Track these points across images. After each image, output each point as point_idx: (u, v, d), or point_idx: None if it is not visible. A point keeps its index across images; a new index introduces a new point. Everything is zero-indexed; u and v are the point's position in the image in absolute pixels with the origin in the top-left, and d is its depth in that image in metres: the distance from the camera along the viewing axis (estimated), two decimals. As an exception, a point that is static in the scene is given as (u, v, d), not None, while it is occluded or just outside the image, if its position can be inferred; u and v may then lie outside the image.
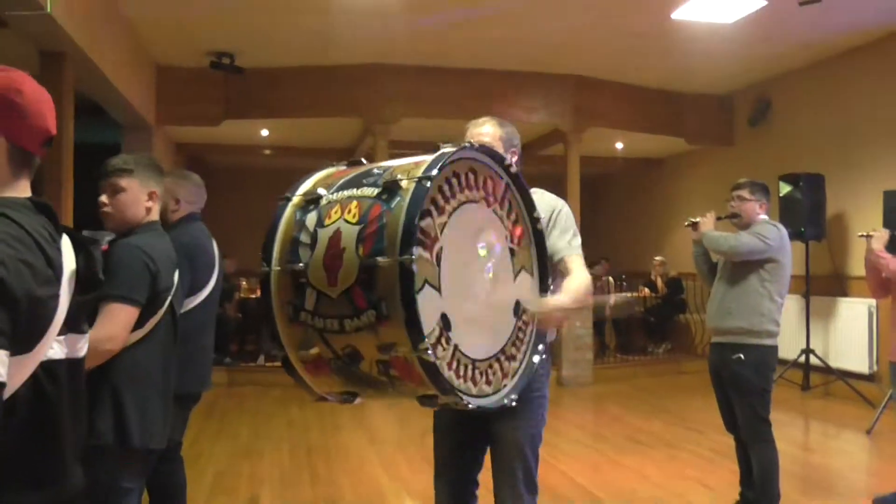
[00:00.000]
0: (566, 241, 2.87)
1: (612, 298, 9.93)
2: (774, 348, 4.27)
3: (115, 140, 9.19)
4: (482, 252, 2.35)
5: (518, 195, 2.55)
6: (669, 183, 12.55)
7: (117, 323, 2.41)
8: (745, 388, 4.18)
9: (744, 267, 4.24)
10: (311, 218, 2.20)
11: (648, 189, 13.35)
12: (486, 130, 2.90)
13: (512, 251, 2.49)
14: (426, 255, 2.08)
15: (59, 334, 1.45)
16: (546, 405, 2.94)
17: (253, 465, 5.68)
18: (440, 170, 2.10)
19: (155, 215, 2.71)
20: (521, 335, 2.51)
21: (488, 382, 2.34)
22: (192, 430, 6.63)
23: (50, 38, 5.60)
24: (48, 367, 1.43)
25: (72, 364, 1.52)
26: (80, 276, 1.50)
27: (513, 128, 3.01)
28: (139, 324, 2.48)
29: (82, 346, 1.56)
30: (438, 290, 2.12)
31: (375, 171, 2.25)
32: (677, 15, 7.24)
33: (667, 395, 8.77)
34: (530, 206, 2.58)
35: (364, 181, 2.20)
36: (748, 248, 4.19)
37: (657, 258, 11.46)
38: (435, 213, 2.13)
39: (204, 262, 3.59)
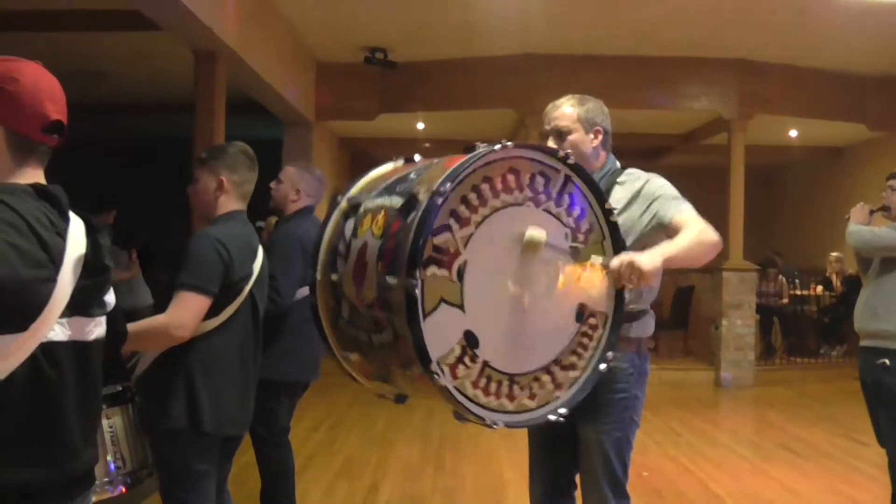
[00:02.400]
0: (672, 205, 2.55)
1: None
2: (928, 355, 3.80)
3: (277, 136, 9.63)
4: (527, 258, 2.17)
5: (585, 187, 2.33)
6: (850, 173, 11.62)
7: (187, 310, 2.47)
8: (890, 398, 3.75)
9: (892, 264, 3.80)
10: (349, 227, 2.21)
11: (826, 180, 12.42)
12: (563, 112, 2.67)
13: (575, 250, 2.28)
14: (442, 272, 1.99)
15: (62, 317, 1.49)
16: (637, 407, 2.69)
17: (383, 453, 5.76)
18: (456, 182, 1.98)
19: (232, 204, 2.73)
20: (584, 341, 2.32)
21: (532, 397, 2.20)
22: (332, 416, 6.91)
23: (201, 39, 5.91)
24: (48, 348, 1.47)
25: (79, 347, 1.55)
26: (87, 262, 1.53)
27: (597, 104, 2.73)
28: (214, 312, 2.53)
29: (92, 330, 1.59)
30: (461, 307, 2.02)
31: (412, 175, 2.17)
32: (846, -10, 6.66)
33: (835, 402, 8.08)
34: (600, 197, 2.36)
35: (398, 188, 2.14)
36: (883, 243, 3.75)
37: (833, 254, 10.63)
38: (455, 226, 2.01)
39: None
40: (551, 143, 2.62)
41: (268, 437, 3.65)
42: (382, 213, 2.09)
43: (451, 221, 2.01)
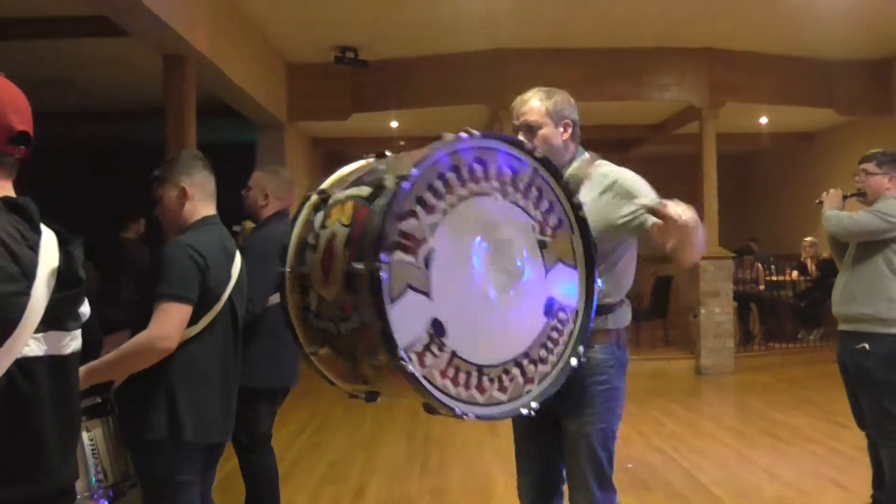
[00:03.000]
0: (646, 197, 2.51)
1: None
2: (908, 337, 3.84)
3: (250, 139, 9.56)
4: (495, 248, 2.16)
5: (552, 181, 2.31)
6: (821, 158, 11.74)
7: (170, 321, 2.44)
8: (870, 382, 3.78)
9: (868, 248, 3.83)
10: (318, 219, 2.19)
11: (798, 165, 12.54)
12: (532, 106, 2.65)
13: (542, 243, 2.27)
14: (409, 258, 1.96)
15: (37, 331, 1.46)
16: (619, 398, 2.68)
17: (369, 454, 5.74)
18: (423, 168, 1.98)
19: (201, 209, 2.70)
20: (554, 335, 2.29)
21: (502, 389, 2.17)
22: (316, 419, 6.87)
23: (171, 44, 5.85)
24: (24, 364, 1.44)
25: (55, 362, 1.52)
26: (61, 274, 1.50)
27: (564, 96, 2.70)
28: (193, 320, 2.50)
29: (68, 344, 1.56)
30: (427, 294, 2.00)
31: (381, 166, 2.17)
32: (813, -25, 6.70)
33: (814, 386, 8.14)
34: (568, 191, 2.35)
35: (366, 179, 2.13)
36: (863, 228, 3.79)
37: (807, 239, 10.72)
38: (423, 212, 2.00)
39: None
40: (521, 138, 2.61)
41: (250, 445, 3.63)
42: (351, 202, 2.08)
43: (418, 208, 1.99)
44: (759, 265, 10.95)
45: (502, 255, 2.17)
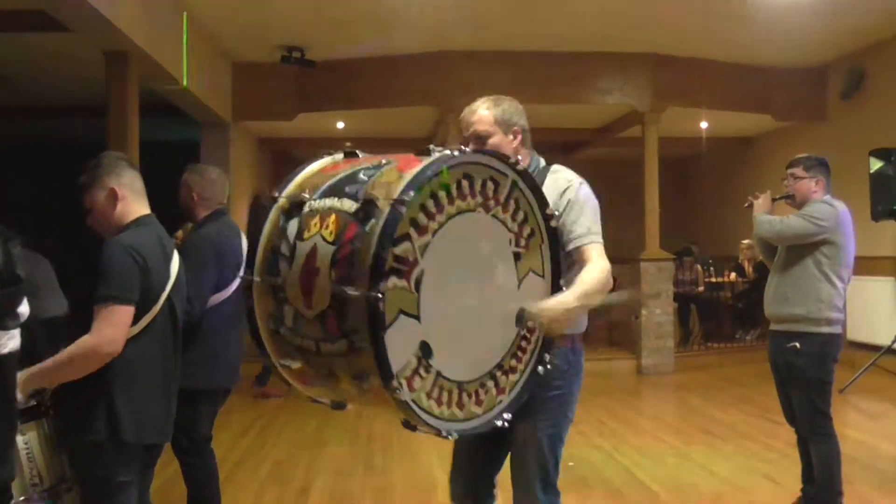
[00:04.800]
0: (585, 226, 2.58)
1: (625, 295, 9.36)
2: (836, 336, 3.98)
3: (194, 137, 9.45)
4: (476, 265, 2.19)
5: (528, 192, 2.35)
6: (759, 162, 12.04)
7: (113, 325, 2.41)
8: (801, 380, 3.92)
9: (798, 250, 3.97)
10: (293, 227, 2.11)
11: (736, 169, 12.84)
12: (480, 116, 2.64)
13: (517, 255, 2.31)
14: (402, 283, 1.95)
15: (-27, 331, 1.45)
16: (572, 403, 2.72)
17: (312, 455, 5.72)
18: (419, 191, 1.95)
19: (134, 209, 2.66)
20: (524, 345, 2.35)
21: (478, 403, 2.21)
22: (262, 419, 6.83)
23: (112, 40, 5.75)
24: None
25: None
26: (0, 273, 1.49)
27: (512, 103, 2.71)
28: (133, 320, 2.48)
29: (5, 343, 1.55)
30: (417, 317, 1.99)
31: (361, 175, 2.10)
32: (751, -15, 6.88)
33: (752, 384, 8.33)
34: (542, 202, 2.39)
35: (347, 189, 2.07)
36: (794, 232, 3.92)
37: (745, 241, 10.96)
38: (415, 234, 1.99)
39: (231, 259, 3.61)
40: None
41: (190, 447, 3.58)
42: (333, 216, 2.02)
43: (411, 230, 1.97)
44: (699, 267, 11.18)
45: (481, 271, 2.19)
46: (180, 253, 2.86)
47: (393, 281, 1.91)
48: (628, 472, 5.18)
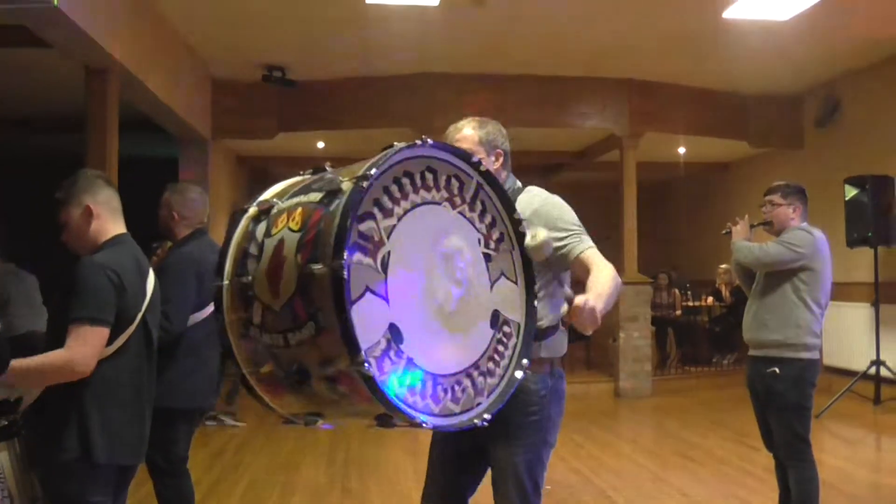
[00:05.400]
0: (572, 234, 2.58)
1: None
2: (814, 362, 4.00)
3: (173, 154, 9.39)
4: (446, 257, 2.18)
5: (494, 196, 2.36)
6: (735, 188, 12.16)
7: (87, 346, 2.39)
8: (780, 405, 3.94)
9: (777, 277, 4.00)
10: (261, 228, 2.12)
11: (713, 195, 12.98)
12: (465, 135, 2.68)
13: (487, 256, 2.31)
14: (367, 260, 1.95)
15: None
16: (551, 428, 2.71)
17: (289, 476, 5.66)
18: (381, 170, 1.97)
19: (110, 227, 2.65)
20: (500, 349, 2.32)
21: (455, 400, 2.17)
22: (237, 439, 6.76)
23: (92, 56, 5.72)
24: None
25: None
26: None
27: (496, 126, 2.75)
28: (108, 340, 2.45)
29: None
30: (385, 298, 1.98)
31: (329, 175, 2.13)
32: (729, 14, 6.98)
33: (728, 409, 8.38)
34: (509, 206, 2.40)
35: (314, 186, 2.09)
36: (773, 259, 3.96)
37: (722, 266, 11.05)
38: (379, 215, 2.00)
39: (210, 278, 3.57)
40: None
41: (166, 468, 3.54)
42: (300, 209, 2.03)
43: (375, 210, 1.98)
44: (676, 291, 11.25)
45: (452, 265, 2.18)
46: (160, 271, 2.84)
47: (358, 256, 1.91)
48: (605, 496, 5.17)
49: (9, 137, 11.01)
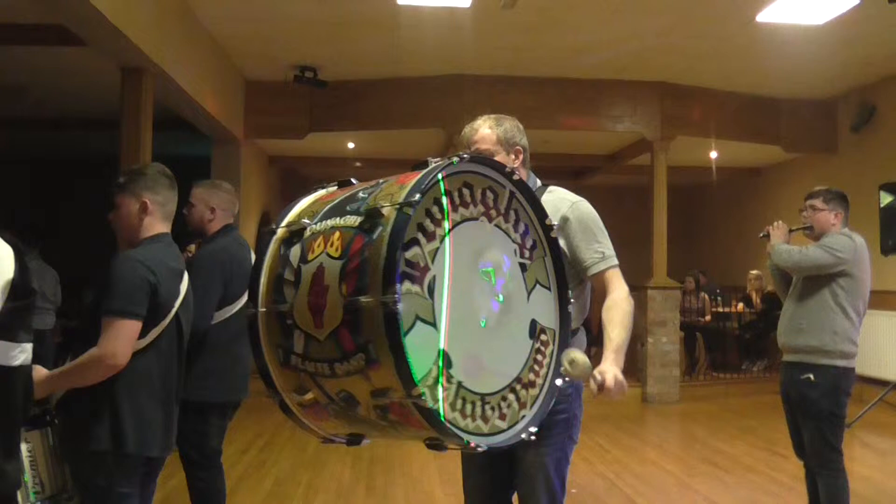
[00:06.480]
0: (598, 251, 2.60)
1: None
2: (850, 370, 3.93)
3: (205, 153, 9.49)
4: (486, 274, 2.15)
5: (526, 203, 2.32)
6: (767, 193, 12.04)
7: (121, 338, 2.43)
8: (813, 412, 3.88)
9: (815, 281, 3.94)
10: (295, 252, 2.05)
11: (745, 200, 12.84)
12: (483, 134, 2.65)
13: (523, 266, 2.28)
14: (415, 288, 1.89)
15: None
16: (576, 425, 2.72)
17: (314, 474, 5.69)
18: (424, 193, 1.92)
19: (157, 226, 2.69)
20: (539, 358, 2.30)
21: (502, 417, 2.15)
22: (263, 437, 6.80)
23: (128, 56, 5.80)
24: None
25: (3, 372, 1.51)
26: (15, 285, 1.50)
27: (513, 122, 2.71)
28: (141, 333, 2.49)
29: (17, 355, 1.55)
30: (434, 324, 1.93)
31: (360, 194, 2.07)
32: (762, 17, 6.91)
33: (756, 415, 8.32)
34: (541, 213, 2.36)
35: (347, 208, 2.03)
36: (813, 263, 3.90)
37: (753, 272, 10.96)
38: (423, 239, 1.93)
39: (239, 274, 3.61)
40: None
41: (200, 460, 3.58)
42: (337, 233, 1.97)
43: (419, 235, 1.92)
44: (706, 296, 11.15)
45: (493, 280, 2.15)
46: (189, 267, 2.87)
47: (407, 286, 1.86)
48: (630, 501, 5.13)
49: (42, 136, 11.21)
